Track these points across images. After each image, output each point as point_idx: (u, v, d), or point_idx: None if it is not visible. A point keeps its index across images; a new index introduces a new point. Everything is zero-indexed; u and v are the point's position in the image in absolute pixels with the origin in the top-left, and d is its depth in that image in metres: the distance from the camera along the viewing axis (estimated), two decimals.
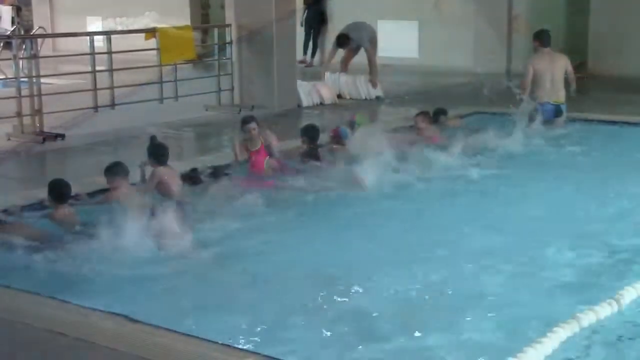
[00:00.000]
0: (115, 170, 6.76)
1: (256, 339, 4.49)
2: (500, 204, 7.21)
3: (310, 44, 18.35)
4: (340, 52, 13.63)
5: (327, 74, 13.43)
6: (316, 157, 8.19)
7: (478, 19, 16.10)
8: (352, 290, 5.24)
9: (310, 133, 8.40)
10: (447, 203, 7.29)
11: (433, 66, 16.52)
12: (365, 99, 13.18)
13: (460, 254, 5.85)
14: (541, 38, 10.72)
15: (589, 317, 4.55)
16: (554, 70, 10.53)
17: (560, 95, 10.55)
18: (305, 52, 18.21)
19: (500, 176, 7.99)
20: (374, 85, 13.28)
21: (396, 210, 7.01)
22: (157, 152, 7.09)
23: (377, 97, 13.24)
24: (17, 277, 5.34)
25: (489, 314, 4.79)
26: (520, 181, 7.88)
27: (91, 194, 7.02)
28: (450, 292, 5.21)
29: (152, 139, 7.25)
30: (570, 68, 10.66)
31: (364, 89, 13.25)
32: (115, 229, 5.92)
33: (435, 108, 10.25)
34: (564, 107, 10.53)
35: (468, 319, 4.73)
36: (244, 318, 4.75)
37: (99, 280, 5.37)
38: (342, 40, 13.37)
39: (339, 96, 13.11)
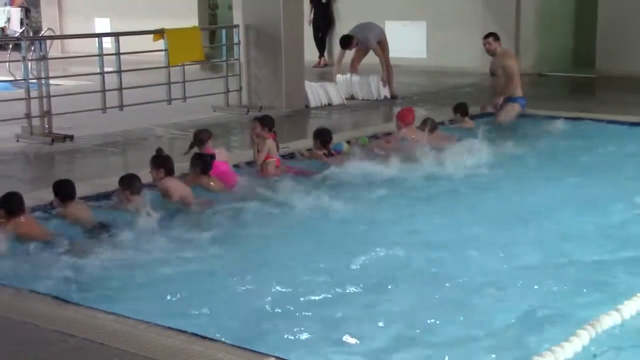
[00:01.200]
0: (129, 183, 6.77)
1: None
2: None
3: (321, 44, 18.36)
4: (350, 54, 13.62)
5: (338, 76, 13.42)
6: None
7: (485, 19, 16.07)
8: None
9: (323, 136, 8.59)
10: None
11: (441, 66, 16.53)
12: (377, 99, 13.18)
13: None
14: (500, 39, 11.01)
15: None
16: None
17: None
18: (322, 55, 18.19)
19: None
20: (384, 84, 13.27)
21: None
22: (164, 165, 7.11)
23: (385, 97, 13.23)
24: (26, 277, 5.35)
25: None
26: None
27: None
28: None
29: (158, 151, 7.28)
30: None
31: (375, 89, 13.24)
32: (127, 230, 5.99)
33: (456, 103, 10.61)
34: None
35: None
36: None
37: (106, 280, 5.39)
38: (345, 41, 13.38)
39: (352, 97, 13.12)
